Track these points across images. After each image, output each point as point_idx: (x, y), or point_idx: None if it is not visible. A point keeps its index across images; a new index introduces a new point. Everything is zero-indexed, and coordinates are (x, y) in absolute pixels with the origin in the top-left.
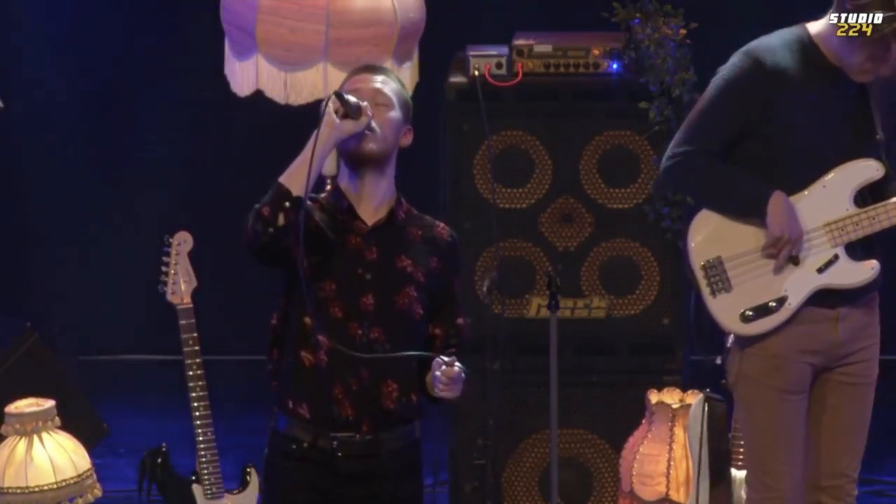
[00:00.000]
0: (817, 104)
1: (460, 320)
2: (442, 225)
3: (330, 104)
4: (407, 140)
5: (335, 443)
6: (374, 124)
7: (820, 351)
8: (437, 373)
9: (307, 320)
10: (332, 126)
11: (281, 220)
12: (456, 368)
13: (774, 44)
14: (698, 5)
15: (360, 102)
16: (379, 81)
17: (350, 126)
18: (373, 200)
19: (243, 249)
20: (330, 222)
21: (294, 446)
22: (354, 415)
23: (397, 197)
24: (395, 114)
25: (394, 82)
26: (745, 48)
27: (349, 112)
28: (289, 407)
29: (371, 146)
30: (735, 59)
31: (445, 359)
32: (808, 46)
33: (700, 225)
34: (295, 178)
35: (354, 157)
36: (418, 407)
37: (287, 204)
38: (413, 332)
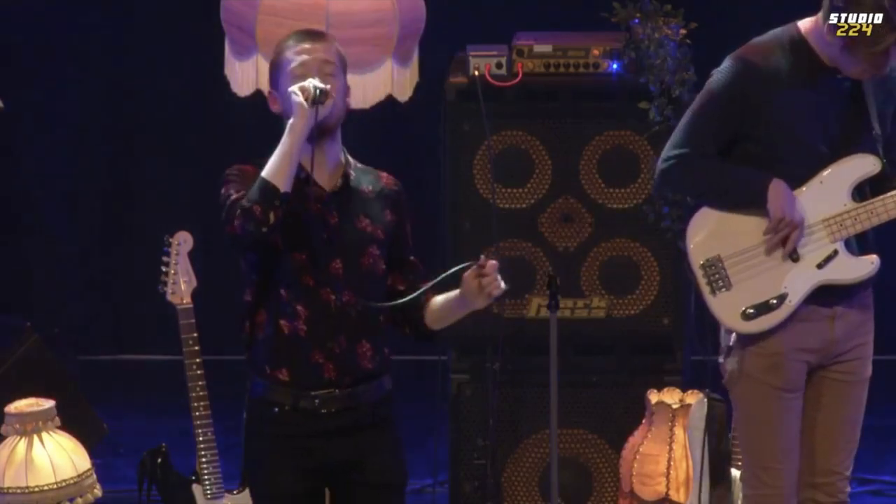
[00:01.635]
0: (812, 103)
1: (412, 258)
2: (386, 175)
3: (300, 95)
4: (349, 100)
5: (317, 401)
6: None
7: (816, 349)
8: (484, 279)
9: (283, 292)
10: (306, 117)
11: (272, 218)
12: (493, 261)
13: (766, 45)
14: (698, 5)
15: (326, 86)
16: (322, 50)
17: (321, 111)
18: (328, 166)
19: (228, 242)
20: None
21: (276, 409)
22: (336, 376)
23: (345, 156)
24: (341, 79)
25: (333, 45)
26: (736, 52)
27: (319, 98)
28: (266, 372)
29: (332, 120)
30: (727, 63)
31: (479, 262)
32: (799, 45)
33: (698, 224)
34: (279, 174)
35: (315, 132)
36: (388, 358)
37: (277, 202)
38: (380, 290)
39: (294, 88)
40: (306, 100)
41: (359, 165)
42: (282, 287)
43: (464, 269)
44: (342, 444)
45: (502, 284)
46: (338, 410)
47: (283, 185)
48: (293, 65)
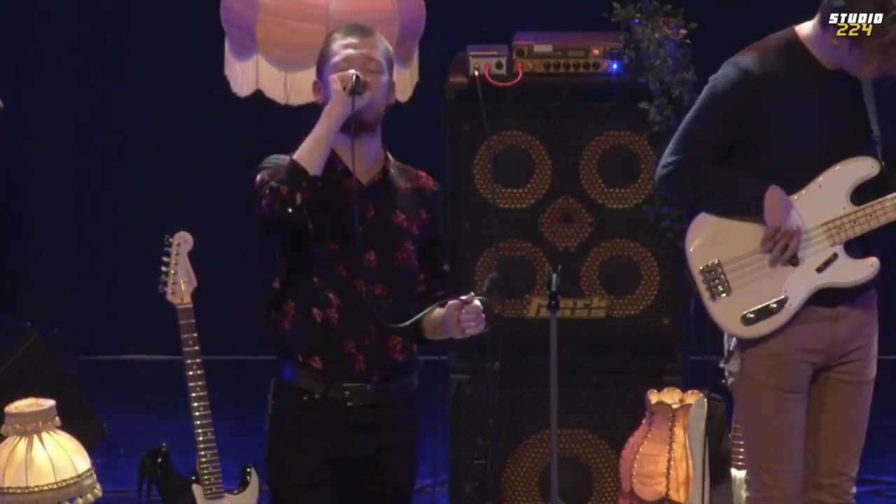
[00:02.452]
0: (810, 107)
1: (445, 266)
2: (425, 175)
3: (338, 83)
4: (393, 96)
5: (347, 392)
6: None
7: (820, 350)
8: (463, 314)
9: (315, 279)
10: (342, 105)
11: (298, 199)
12: (477, 303)
13: (763, 50)
14: (698, 5)
15: (366, 78)
16: (368, 47)
17: (358, 103)
18: (367, 160)
19: (258, 224)
20: (326, 184)
21: (305, 397)
22: (366, 367)
23: (385, 153)
24: (385, 77)
25: (381, 42)
26: (734, 57)
27: (357, 89)
28: (298, 360)
29: (370, 115)
30: (725, 69)
31: (464, 297)
32: (797, 50)
33: (697, 229)
34: (309, 157)
35: (354, 125)
36: (416, 356)
37: (304, 184)
38: (412, 285)
39: (334, 76)
40: (344, 88)
41: (398, 164)
42: (315, 275)
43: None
44: (364, 439)
45: (480, 327)
46: (366, 405)
47: (312, 168)
48: (338, 58)
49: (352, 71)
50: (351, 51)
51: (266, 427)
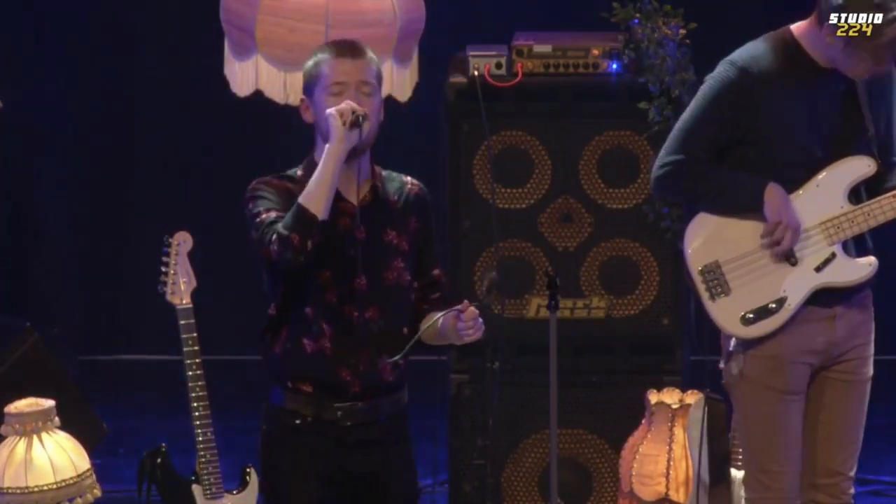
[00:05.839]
0: (807, 105)
1: (436, 271)
2: (410, 180)
3: (338, 119)
4: (383, 112)
5: (339, 413)
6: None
7: (818, 350)
8: (460, 324)
9: (308, 310)
10: (342, 141)
11: (310, 246)
12: (473, 310)
13: (759, 50)
14: (698, 5)
15: (363, 110)
16: (361, 69)
17: (356, 136)
18: (357, 180)
19: (260, 261)
20: None
21: (297, 421)
22: (361, 390)
23: (373, 168)
24: (378, 97)
25: (372, 62)
26: (730, 57)
27: (358, 123)
28: (287, 385)
29: (367, 141)
30: (721, 68)
31: (459, 307)
32: (792, 48)
33: (696, 230)
34: (317, 202)
35: (350, 152)
36: (405, 371)
37: (314, 230)
38: (404, 302)
39: (333, 112)
40: (344, 124)
41: (384, 173)
42: (307, 305)
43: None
44: (361, 456)
45: (479, 333)
46: (359, 423)
47: (322, 213)
48: (330, 81)
49: (348, 103)
50: (343, 77)
51: (260, 452)
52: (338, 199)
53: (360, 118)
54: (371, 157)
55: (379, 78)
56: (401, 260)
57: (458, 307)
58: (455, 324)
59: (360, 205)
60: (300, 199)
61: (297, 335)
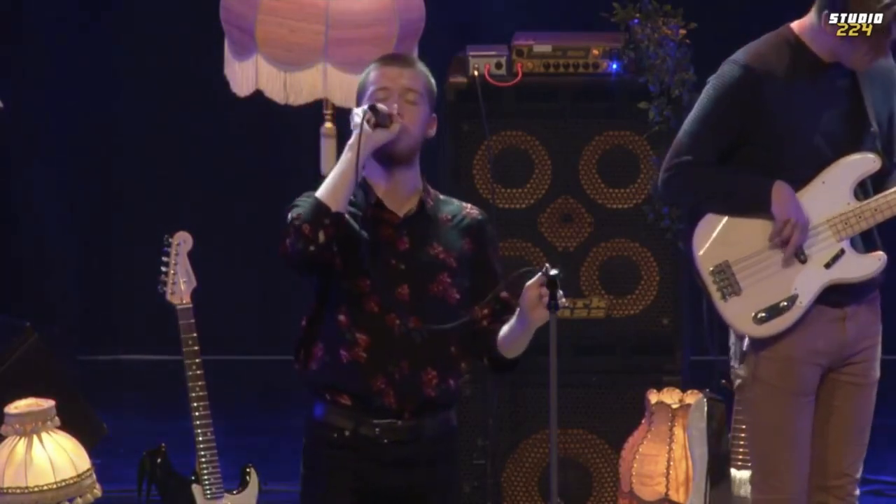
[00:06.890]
0: (810, 103)
1: (504, 294)
2: (469, 206)
3: (362, 116)
4: (432, 130)
5: (377, 430)
6: (403, 123)
7: (829, 352)
8: (543, 290)
9: (342, 318)
10: (366, 138)
11: (321, 237)
12: (554, 271)
13: (762, 49)
14: (698, 5)
15: (391, 111)
16: (407, 77)
17: (382, 136)
18: (402, 192)
19: (281, 263)
20: (360, 217)
21: (335, 435)
22: (397, 403)
23: (424, 185)
24: (424, 108)
25: (421, 73)
26: (733, 56)
27: (381, 122)
28: (326, 398)
29: (401, 146)
30: (725, 69)
31: (532, 270)
32: (794, 46)
33: (704, 231)
34: (332, 193)
35: (385, 157)
36: (455, 392)
37: (327, 221)
38: (450, 318)
39: (357, 109)
40: (368, 121)
41: (441, 197)
42: (341, 313)
43: (522, 276)
44: (399, 475)
45: (564, 300)
46: (398, 441)
47: (335, 205)
48: (375, 87)
49: (377, 104)
50: (388, 82)
51: (301, 464)
52: (381, 209)
53: (384, 117)
54: (424, 176)
55: (428, 90)
56: (447, 275)
57: (540, 270)
58: (537, 294)
59: (405, 216)
60: (317, 192)
61: (333, 346)
